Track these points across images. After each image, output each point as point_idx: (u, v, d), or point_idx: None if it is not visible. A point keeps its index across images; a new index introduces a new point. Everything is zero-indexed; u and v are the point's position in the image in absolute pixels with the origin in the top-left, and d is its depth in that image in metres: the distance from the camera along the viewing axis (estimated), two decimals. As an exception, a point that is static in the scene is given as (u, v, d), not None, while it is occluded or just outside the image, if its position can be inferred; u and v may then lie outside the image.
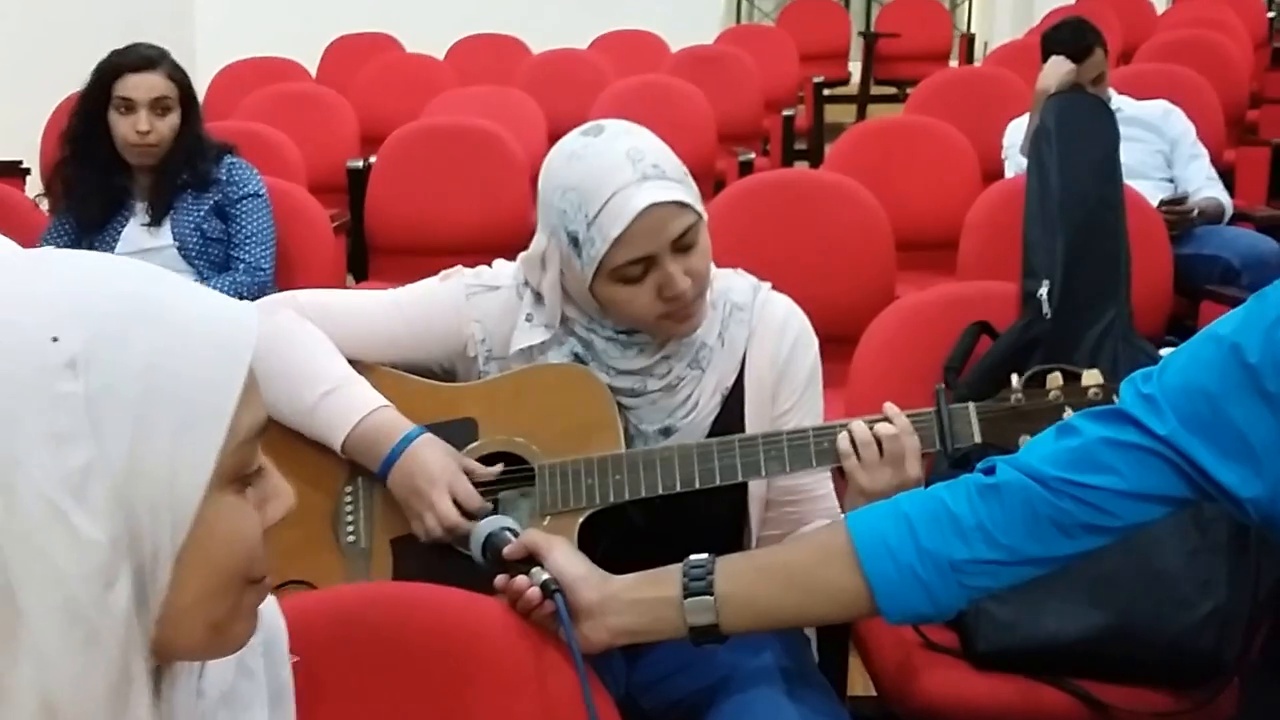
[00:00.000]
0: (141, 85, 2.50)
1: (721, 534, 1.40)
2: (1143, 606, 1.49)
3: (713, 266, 1.41)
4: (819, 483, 1.42)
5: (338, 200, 3.80)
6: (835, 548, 1.07)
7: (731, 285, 1.42)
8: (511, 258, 1.45)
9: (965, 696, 1.51)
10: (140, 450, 0.58)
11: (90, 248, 2.57)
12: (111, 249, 2.56)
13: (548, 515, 1.31)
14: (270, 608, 0.81)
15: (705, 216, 1.30)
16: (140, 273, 0.64)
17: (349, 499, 1.36)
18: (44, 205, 2.81)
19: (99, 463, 0.57)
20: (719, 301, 1.39)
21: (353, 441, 1.32)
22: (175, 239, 2.58)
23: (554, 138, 1.44)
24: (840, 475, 1.33)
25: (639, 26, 5.99)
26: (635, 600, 1.10)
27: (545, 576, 1.09)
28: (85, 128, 2.53)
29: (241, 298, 1.63)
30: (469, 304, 1.40)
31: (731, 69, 4.97)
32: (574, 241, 1.26)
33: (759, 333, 1.40)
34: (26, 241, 2.67)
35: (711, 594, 1.07)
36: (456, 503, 1.29)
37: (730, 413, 1.39)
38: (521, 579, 1.10)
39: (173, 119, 2.55)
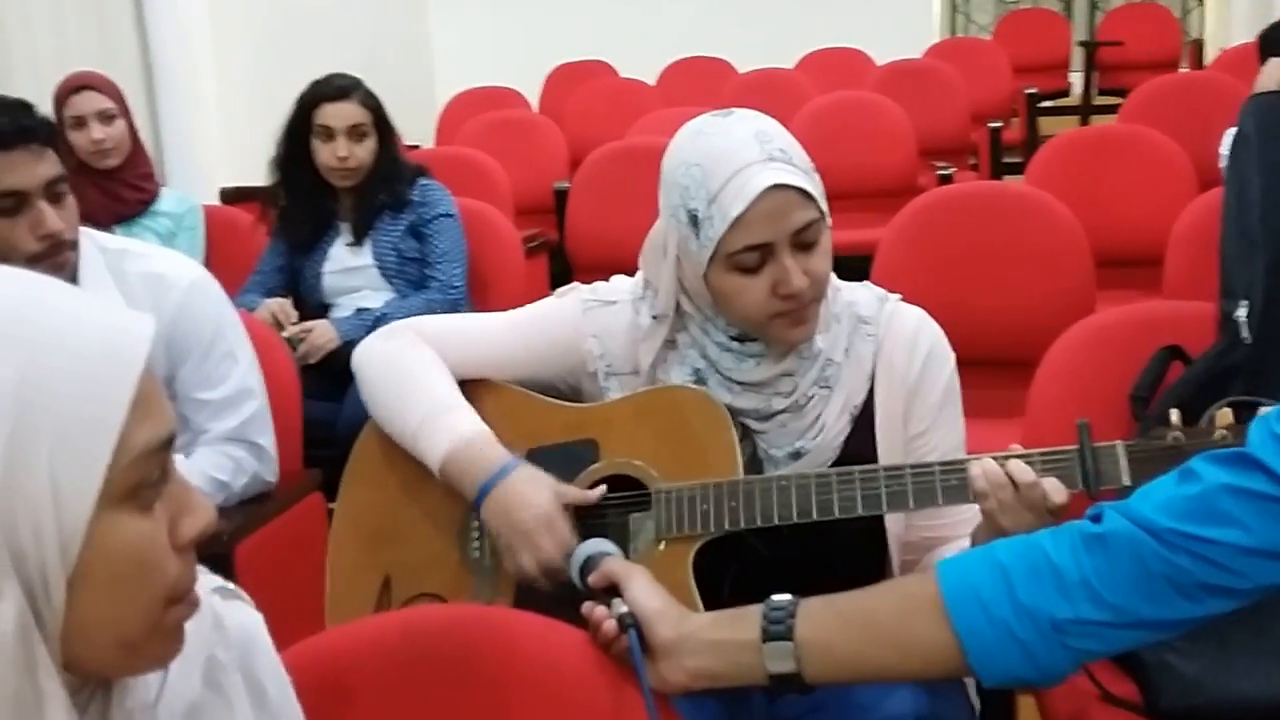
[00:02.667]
0: (338, 114, 2.67)
1: (859, 566, 1.32)
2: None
3: (837, 279, 1.36)
4: (964, 524, 1.32)
5: (546, 221, 3.95)
6: (923, 597, 0.97)
7: (856, 298, 1.36)
8: None
9: (1144, 757, 1.38)
10: (15, 469, 0.57)
11: (302, 266, 2.78)
12: (321, 267, 2.75)
13: (663, 540, 1.28)
14: (251, 622, 0.81)
15: (829, 219, 1.26)
16: (20, 285, 0.62)
17: (476, 516, 1.37)
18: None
19: None
20: (843, 314, 1.34)
21: (448, 468, 1.32)
22: (375, 258, 2.74)
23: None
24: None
25: (850, 44, 5.93)
26: (713, 641, 1.02)
27: (624, 609, 1.04)
28: (291, 155, 2.72)
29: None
30: (585, 319, 1.39)
31: (937, 83, 4.85)
32: (693, 220, 1.24)
33: (887, 347, 1.33)
34: (248, 262, 2.90)
35: (791, 639, 0.99)
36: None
37: (861, 434, 1.33)
38: (601, 610, 1.06)
39: (370, 144, 2.71)
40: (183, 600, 0.66)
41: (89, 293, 0.65)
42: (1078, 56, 6.61)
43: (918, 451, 1.33)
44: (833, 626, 1.00)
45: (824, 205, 1.25)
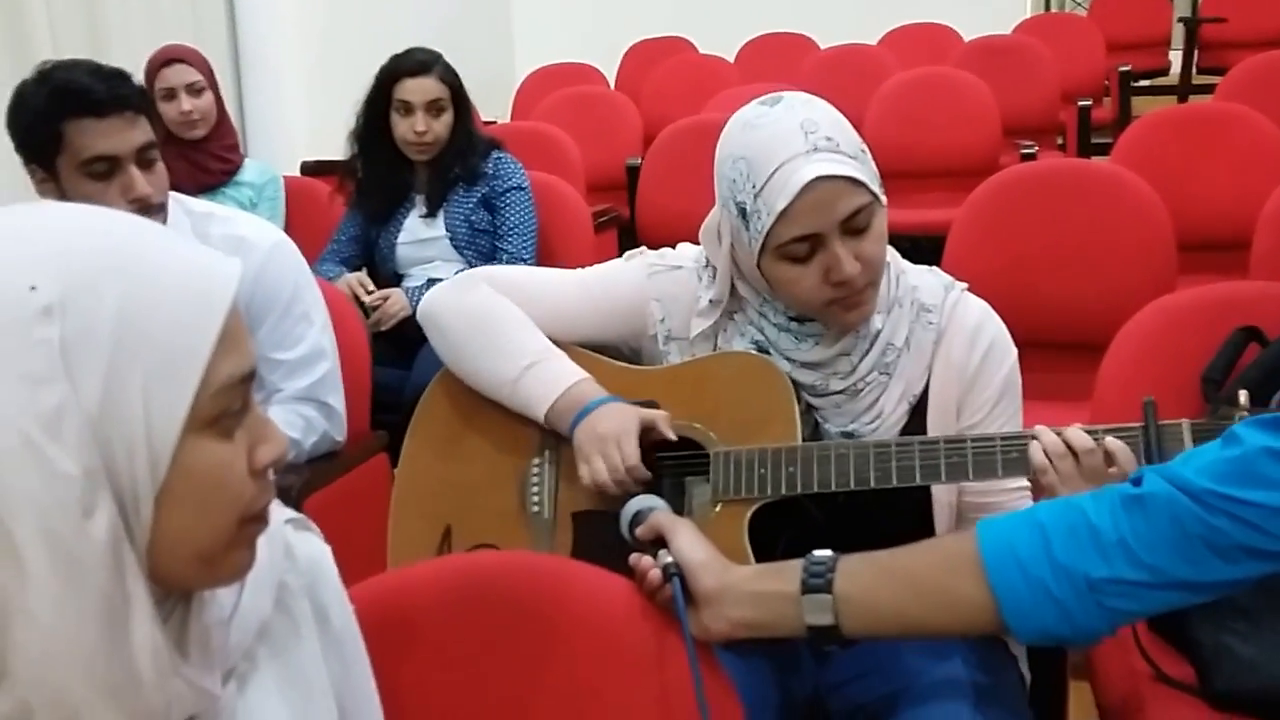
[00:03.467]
0: (417, 89, 2.71)
1: (914, 535, 1.33)
2: None
3: (902, 261, 1.35)
4: (1013, 500, 1.33)
5: (619, 197, 3.97)
6: (961, 554, 0.99)
7: (921, 283, 1.35)
8: None
9: (1197, 740, 1.35)
10: (113, 393, 0.62)
11: (377, 237, 2.83)
12: (395, 238, 2.80)
13: (720, 502, 1.30)
14: (319, 552, 0.85)
15: (884, 200, 1.25)
16: (123, 225, 0.67)
17: (535, 470, 1.41)
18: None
19: (72, 402, 0.61)
20: (905, 299, 1.33)
21: (555, 412, 1.36)
22: (447, 230, 2.78)
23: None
24: (1037, 489, 1.24)
25: (938, 20, 5.81)
26: (754, 593, 1.06)
27: (669, 559, 1.08)
28: (370, 128, 2.77)
29: None
30: (650, 283, 1.41)
31: (1025, 60, 4.71)
32: (742, 213, 1.24)
33: (947, 336, 1.33)
34: (325, 232, 2.98)
35: (830, 592, 1.01)
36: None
37: (916, 423, 1.32)
38: (646, 560, 1.09)
39: (446, 118, 2.75)
40: (257, 519, 0.72)
41: (180, 237, 0.69)
42: (1179, 34, 6.40)
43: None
44: (871, 581, 1.02)
45: (876, 187, 1.24)
